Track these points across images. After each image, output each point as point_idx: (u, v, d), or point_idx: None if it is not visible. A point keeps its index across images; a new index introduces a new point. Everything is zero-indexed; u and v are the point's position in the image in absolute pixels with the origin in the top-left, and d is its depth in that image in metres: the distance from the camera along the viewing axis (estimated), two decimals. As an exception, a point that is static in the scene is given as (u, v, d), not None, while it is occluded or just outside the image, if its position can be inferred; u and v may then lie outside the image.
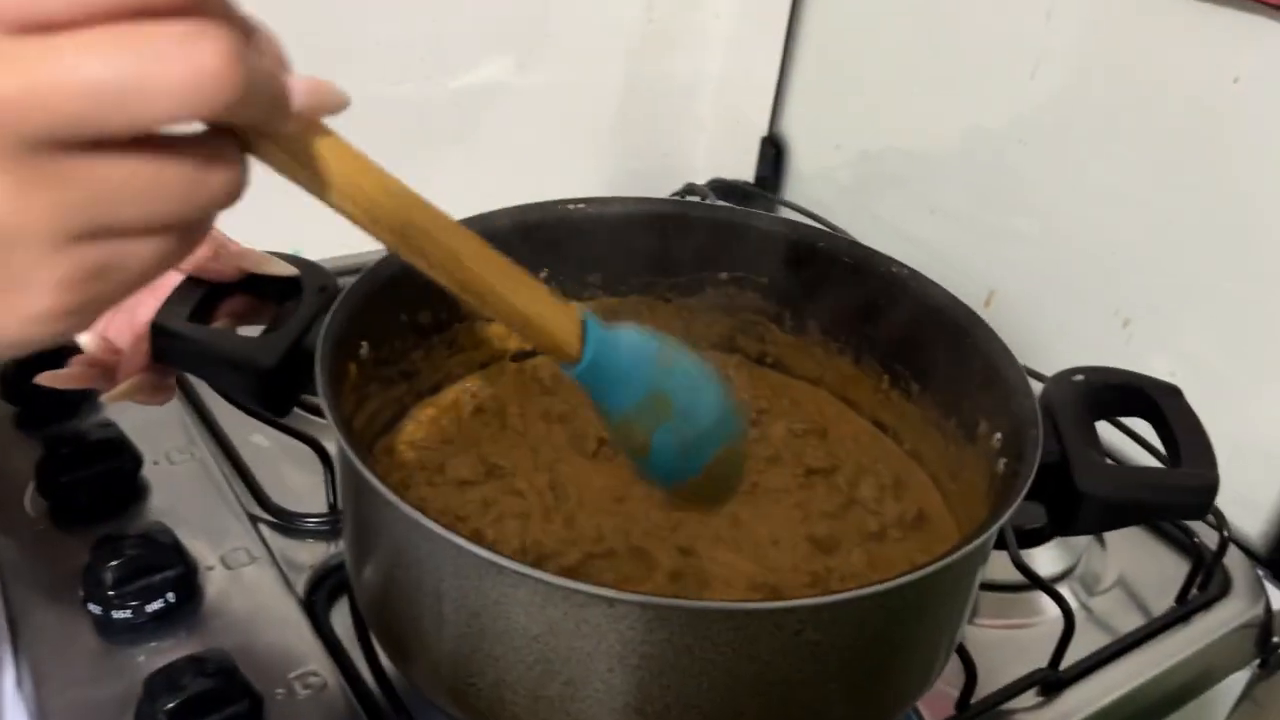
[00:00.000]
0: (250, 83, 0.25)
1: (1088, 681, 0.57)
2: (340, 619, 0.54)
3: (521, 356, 0.60)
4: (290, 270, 0.48)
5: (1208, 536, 0.65)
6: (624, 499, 0.52)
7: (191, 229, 0.28)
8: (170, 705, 0.45)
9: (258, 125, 0.28)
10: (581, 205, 0.57)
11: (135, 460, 0.59)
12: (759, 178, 1.02)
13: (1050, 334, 0.79)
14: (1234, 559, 0.65)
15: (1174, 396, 0.48)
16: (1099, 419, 0.49)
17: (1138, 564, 0.65)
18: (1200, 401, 0.59)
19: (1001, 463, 0.47)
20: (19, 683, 0.51)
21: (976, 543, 0.39)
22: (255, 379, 0.45)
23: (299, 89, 0.29)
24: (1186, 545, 0.65)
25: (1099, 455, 0.45)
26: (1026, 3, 0.74)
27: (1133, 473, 0.48)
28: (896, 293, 0.55)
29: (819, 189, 0.97)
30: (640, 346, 0.42)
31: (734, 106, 1.03)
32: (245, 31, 0.27)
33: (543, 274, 0.58)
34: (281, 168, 0.30)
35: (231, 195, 0.28)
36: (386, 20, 0.86)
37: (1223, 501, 0.66)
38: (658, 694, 0.38)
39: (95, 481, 0.57)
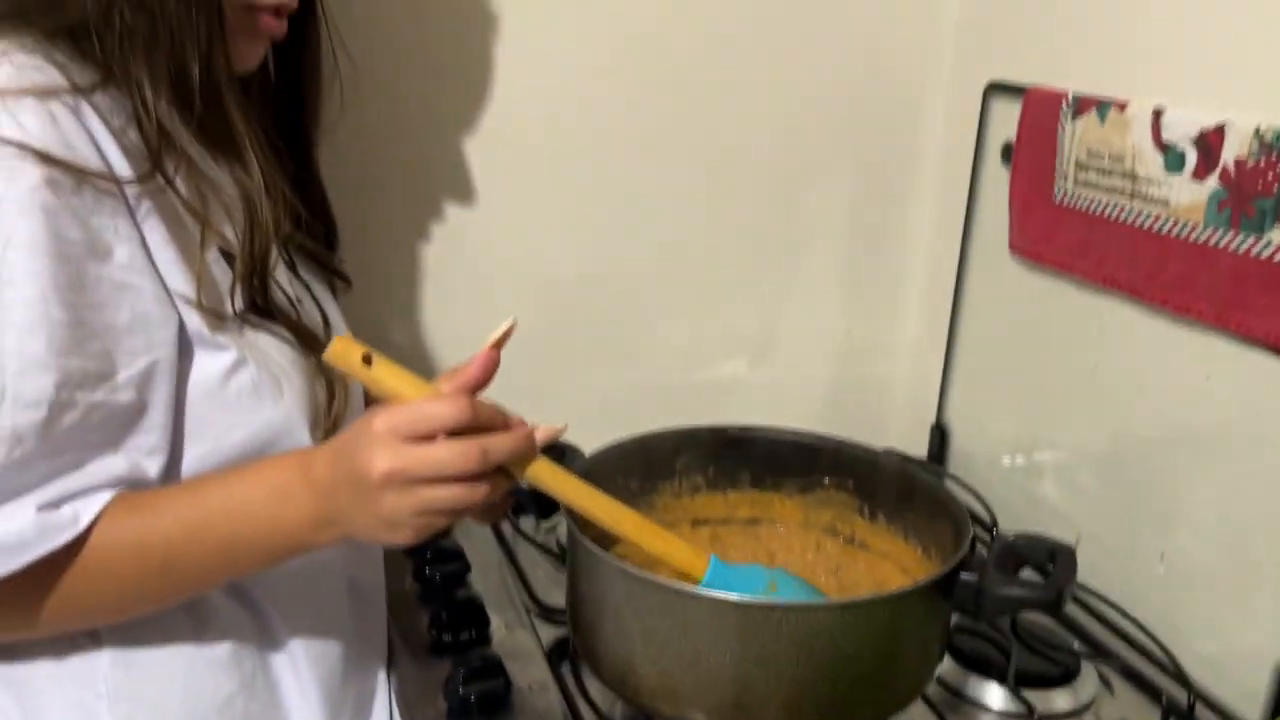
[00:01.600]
0: (506, 458, 0.66)
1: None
2: (566, 667, 0.89)
3: (697, 524, 0.96)
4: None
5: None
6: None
7: (473, 508, 0.68)
8: (464, 670, 0.83)
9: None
10: (737, 428, 0.94)
11: (468, 568, 1.00)
12: (930, 455, 1.34)
13: (1117, 562, 1.04)
14: (1217, 723, 0.87)
15: (1067, 553, 0.76)
16: (1022, 562, 0.78)
17: (1140, 715, 0.88)
18: (1212, 615, 0.84)
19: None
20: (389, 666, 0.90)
21: (902, 589, 0.70)
22: (532, 494, 0.84)
23: (539, 434, 0.69)
24: (1166, 705, 0.87)
25: (1003, 575, 0.74)
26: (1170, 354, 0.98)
27: (1014, 581, 0.75)
28: (926, 492, 0.87)
29: (973, 464, 1.28)
30: (750, 574, 0.78)
31: (911, 400, 1.37)
32: (501, 419, 0.67)
33: (711, 470, 0.95)
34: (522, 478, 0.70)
35: (498, 494, 0.67)
36: (665, 330, 1.30)
37: (1230, 695, 0.89)
38: (702, 649, 0.70)
39: (447, 576, 0.99)
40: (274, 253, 0.77)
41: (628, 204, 1.23)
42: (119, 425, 0.68)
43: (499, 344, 0.70)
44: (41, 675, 0.72)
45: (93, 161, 0.66)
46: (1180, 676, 0.88)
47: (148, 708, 0.73)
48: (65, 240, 0.63)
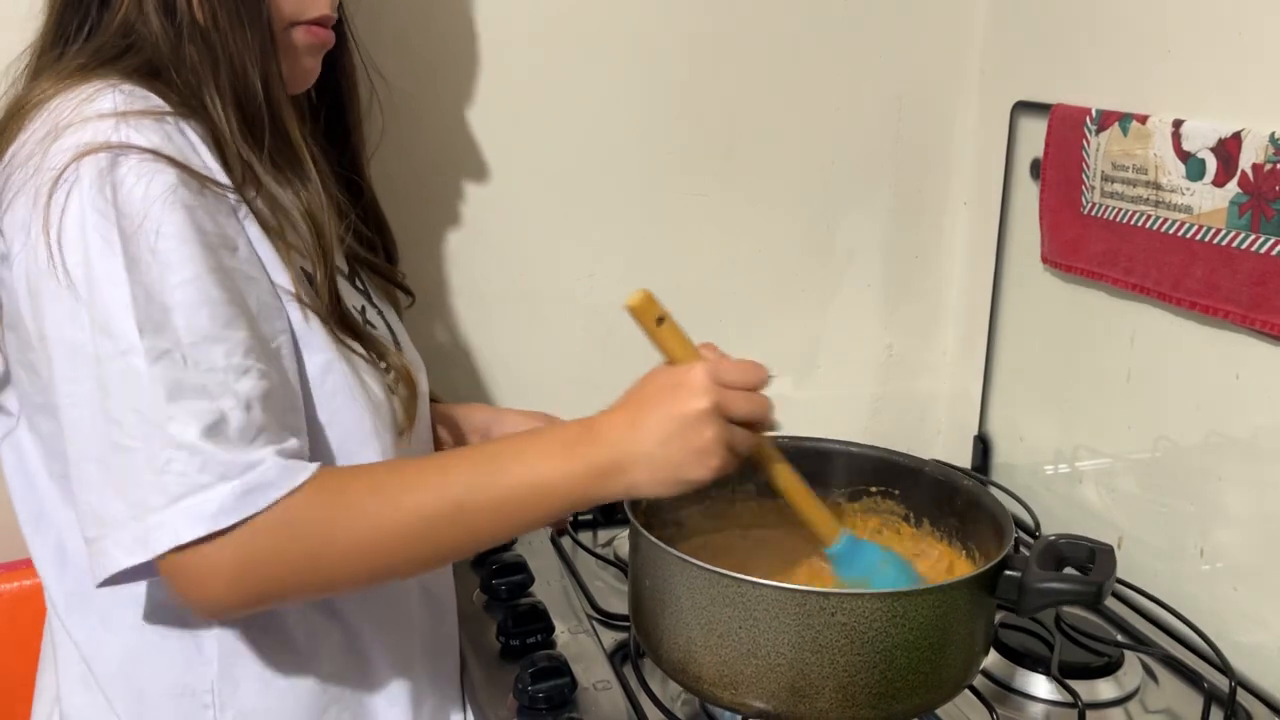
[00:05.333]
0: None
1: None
2: (628, 667, 0.94)
3: (748, 529, 1.00)
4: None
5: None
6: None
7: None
8: (532, 670, 0.88)
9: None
10: (785, 439, 0.98)
11: (531, 579, 1.05)
12: (973, 466, 1.37)
13: (1158, 559, 1.07)
14: (1259, 709, 0.89)
15: (1106, 551, 0.79)
16: (1064, 561, 0.81)
17: (1184, 703, 0.91)
18: (1251, 606, 0.91)
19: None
20: (463, 673, 0.95)
21: (949, 582, 0.74)
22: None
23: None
24: (1208, 690, 0.89)
25: (1045, 571, 0.78)
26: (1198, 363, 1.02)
27: (1052, 576, 0.78)
28: (969, 497, 0.90)
29: (1016, 472, 1.31)
30: (870, 549, 0.85)
31: (953, 413, 1.41)
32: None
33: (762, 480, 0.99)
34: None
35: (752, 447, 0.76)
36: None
37: (1271, 682, 0.92)
38: (761, 641, 0.74)
39: (512, 586, 1.04)
40: (338, 259, 0.82)
41: (670, 230, 1.29)
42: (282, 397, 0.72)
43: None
44: (155, 689, 0.78)
45: (202, 170, 0.72)
46: (1222, 664, 0.91)
47: (252, 717, 0.79)
48: (205, 231, 0.69)
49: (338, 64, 0.92)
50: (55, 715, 0.82)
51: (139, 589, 0.77)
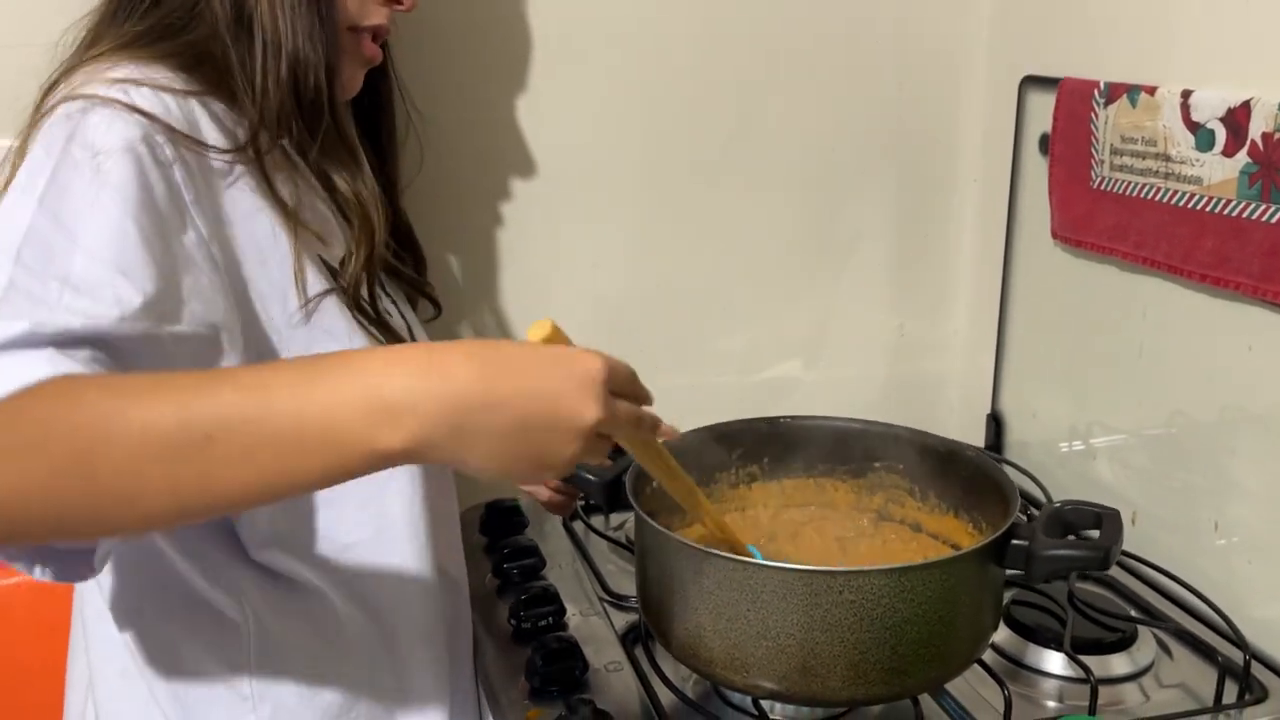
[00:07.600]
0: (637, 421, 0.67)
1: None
2: (639, 649, 0.94)
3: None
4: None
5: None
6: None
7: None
8: (543, 652, 0.88)
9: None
10: (788, 418, 0.99)
11: (543, 563, 1.06)
12: (986, 445, 1.36)
13: (1172, 534, 1.06)
14: (1275, 682, 0.89)
15: (1113, 515, 0.79)
16: (1071, 529, 0.81)
17: (1198, 677, 0.90)
18: (1265, 580, 0.91)
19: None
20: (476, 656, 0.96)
21: (955, 554, 0.74)
22: (601, 487, 0.89)
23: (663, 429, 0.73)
24: (1222, 664, 0.89)
25: (1052, 539, 0.77)
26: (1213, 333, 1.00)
27: (1059, 543, 0.78)
28: (973, 468, 0.90)
29: (1030, 450, 1.31)
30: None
31: (966, 392, 1.40)
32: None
33: (765, 460, 0.99)
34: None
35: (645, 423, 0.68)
36: (719, 336, 1.35)
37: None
38: (770, 623, 0.74)
39: (524, 570, 1.04)
40: (379, 255, 0.84)
41: (679, 219, 1.29)
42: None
43: None
44: (195, 681, 0.80)
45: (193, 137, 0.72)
46: (1236, 638, 0.90)
47: (287, 708, 0.81)
48: (151, 192, 0.68)
49: (376, 91, 0.94)
50: (90, 704, 0.83)
51: (174, 581, 0.78)
